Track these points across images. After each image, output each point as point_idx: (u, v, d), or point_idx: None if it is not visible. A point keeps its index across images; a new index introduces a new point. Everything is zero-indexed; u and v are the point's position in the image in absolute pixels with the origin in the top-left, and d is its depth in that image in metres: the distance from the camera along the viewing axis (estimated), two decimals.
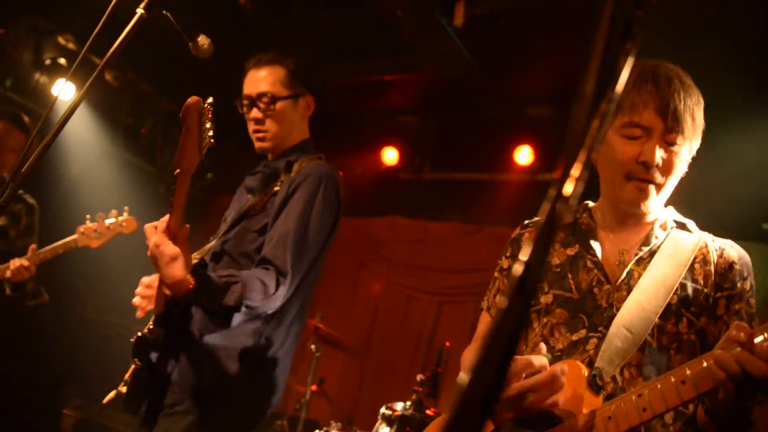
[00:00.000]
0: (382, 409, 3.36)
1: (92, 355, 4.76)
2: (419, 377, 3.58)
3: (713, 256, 1.57)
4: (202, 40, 1.80)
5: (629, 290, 1.54)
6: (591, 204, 1.75)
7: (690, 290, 1.52)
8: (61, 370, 5.20)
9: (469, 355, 1.81)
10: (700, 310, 1.52)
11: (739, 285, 1.54)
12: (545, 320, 1.62)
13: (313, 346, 3.72)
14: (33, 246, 3.11)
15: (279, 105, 2.29)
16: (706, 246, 1.59)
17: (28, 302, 3.38)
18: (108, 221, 3.10)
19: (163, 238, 1.84)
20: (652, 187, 1.52)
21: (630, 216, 1.62)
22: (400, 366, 5.69)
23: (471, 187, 5.87)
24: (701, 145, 1.59)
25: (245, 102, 2.33)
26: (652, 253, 1.58)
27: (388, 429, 3.22)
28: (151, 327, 2.06)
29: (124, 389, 2.18)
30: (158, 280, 2.02)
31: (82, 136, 5.25)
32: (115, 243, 5.45)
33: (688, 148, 1.55)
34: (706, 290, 1.53)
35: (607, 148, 1.55)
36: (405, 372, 5.53)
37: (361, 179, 5.98)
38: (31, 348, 5.16)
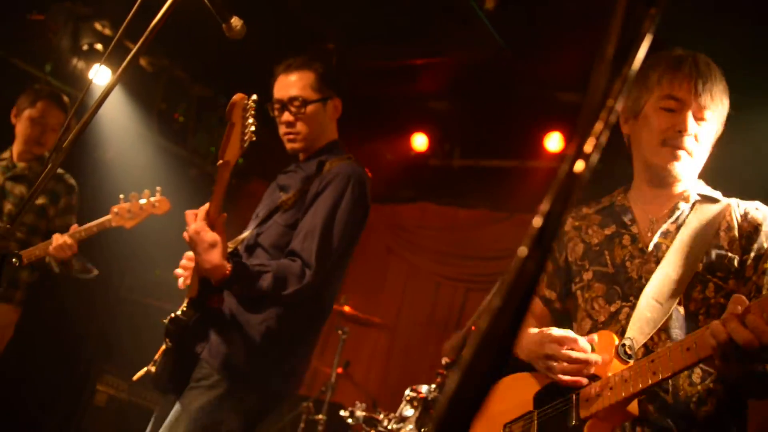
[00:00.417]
0: (407, 391, 3.39)
1: (124, 334, 4.87)
2: (445, 360, 3.59)
3: (736, 221, 1.67)
4: (235, 21, 1.84)
5: (657, 262, 1.67)
6: (625, 190, 1.90)
7: (714, 256, 1.64)
8: (95, 348, 5.35)
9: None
10: (726, 274, 1.63)
11: (766, 245, 1.62)
12: (587, 295, 1.79)
13: (339, 331, 3.76)
14: (74, 225, 3.15)
15: (309, 108, 2.40)
16: (730, 212, 1.69)
17: (78, 276, 3.45)
18: (141, 201, 3.14)
19: (203, 225, 1.97)
20: (683, 153, 1.68)
21: (661, 182, 1.76)
22: (426, 350, 5.72)
23: (500, 174, 5.84)
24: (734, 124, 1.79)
25: (276, 105, 2.43)
26: (678, 227, 1.71)
27: (412, 411, 3.25)
28: (185, 309, 2.14)
29: (153, 368, 2.26)
30: (194, 265, 2.10)
31: (117, 120, 5.34)
32: (147, 226, 5.57)
33: (715, 127, 1.72)
34: (730, 254, 1.64)
35: (643, 120, 1.74)
36: (430, 356, 5.55)
37: (390, 165, 5.99)
38: (69, 325, 5.32)
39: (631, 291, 1.67)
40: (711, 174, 1.82)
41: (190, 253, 2.30)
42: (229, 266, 1.98)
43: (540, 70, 4.91)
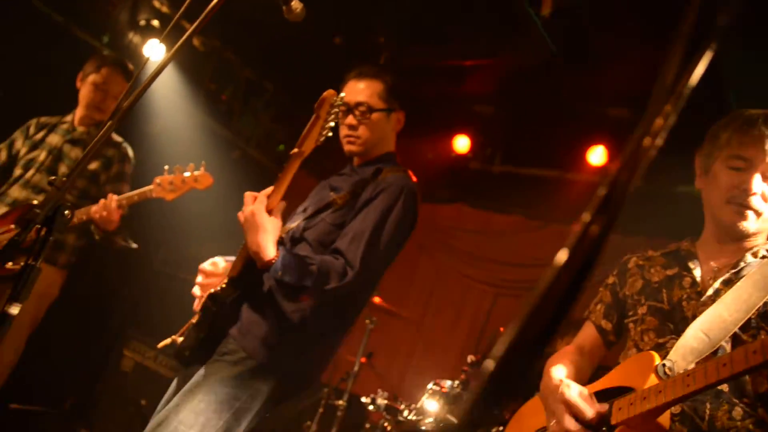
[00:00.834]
0: (430, 385, 3.39)
1: (154, 305, 4.98)
2: (470, 358, 3.59)
3: None
4: (296, 4, 1.87)
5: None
6: (693, 239, 1.94)
7: None
8: (126, 316, 5.48)
9: (558, 361, 1.94)
10: None
11: None
12: (639, 328, 1.83)
13: (367, 320, 3.77)
14: (111, 194, 3.14)
15: (374, 116, 2.43)
16: None
17: (116, 245, 3.48)
18: (185, 174, 3.12)
19: (261, 208, 2.01)
20: (750, 212, 1.71)
21: (728, 239, 1.79)
22: (450, 349, 5.72)
23: (539, 183, 5.79)
24: None
25: (342, 108, 2.45)
26: (739, 277, 1.71)
27: (433, 404, 3.26)
28: (224, 287, 2.17)
29: (179, 339, 2.30)
30: (242, 245, 2.15)
31: (167, 96, 5.45)
32: (185, 202, 5.67)
33: None
34: None
35: (713, 177, 1.79)
36: (454, 355, 5.55)
37: (430, 165, 5.99)
38: (103, 291, 5.46)
39: (684, 328, 1.68)
40: None
41: (206, 266, 2.35)
42: (277, 252, 2.00)
43: (590, 81, 4.85)
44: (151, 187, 3.13)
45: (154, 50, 3.96)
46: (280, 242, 2.10)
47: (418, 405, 3.28)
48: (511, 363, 0.46)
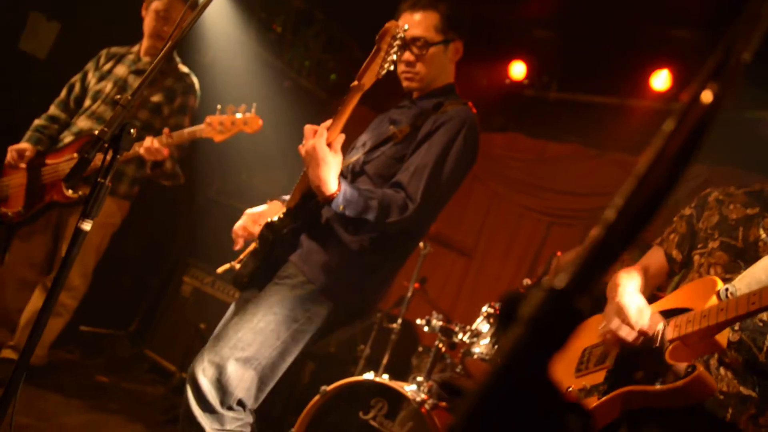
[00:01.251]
0: (485, 308, 3.41)
1: (210, 233, 5.11)
2: (526, 281, 3.58)
3: None
4: None
5: None
6: None
7: None
8: (184, 244, 5.67)
9: (626, 271, 1.95)
10: None
11: None
12: (704, 260, 1.79)
13: (421, 244, 3.77)
14: (167, 129, 3.16)
15: (432, 50, 2.38)
16: None
17: (164, 182, 3.52)
18: (237, 116, 3.10)
19: (321, 142, 1.99)
20: None
21: None
22: (502, 278, 5.73)
23: (597, 110, 5.60)
24: None
25: (397, 42, 2.38)
26: None
27: (487, 326, 3.29)
28: (281, 217, 2.21)
29: (237, 265, 2.36)
30: (301, 176, 2.17)
31: (218, 26, 5.43)
32: (240, 133, 5.71)
33: None
34: None
35: None
36: (505, 284, 5.56)
37: (485, 91, 5.85)
38: (162, 220, 5.64)
39: None
40: None
41: (240, 224, 2.40)
42: (339, 187, 2.00)
43: (653, 1, 4.60)
44: (201, 126, 3.12)
45: None
46: (341, 176, 2.10)
47: (473, 327, 3.31)
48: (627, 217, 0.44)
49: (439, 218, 2.51)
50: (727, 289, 1.54)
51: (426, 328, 3.39)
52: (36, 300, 3.57)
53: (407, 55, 2.40)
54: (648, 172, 0.45)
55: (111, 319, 5.25)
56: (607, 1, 4.82)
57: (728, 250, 1.74)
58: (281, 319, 2.11)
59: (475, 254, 5.93)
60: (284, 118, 5.76)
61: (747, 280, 1.55)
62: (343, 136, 2.05)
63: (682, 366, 1.48)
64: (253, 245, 2.34)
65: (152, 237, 5.58)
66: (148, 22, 3.63)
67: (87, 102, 3.62)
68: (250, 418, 2.13)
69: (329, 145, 2.00)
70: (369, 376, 3.05)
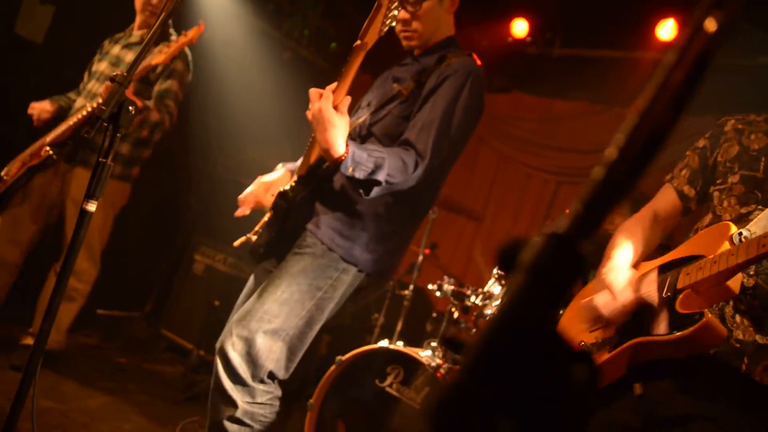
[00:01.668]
0: (496, 269, 3.41)
1: (218, 210, 5.12)
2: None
3: None
4: None
5: None
6: None
7: None
8: (194, 221, 5.68)
9: (627, 233, 1.87)
10: None
11: None
12: (723, 196, 1.68)
13: (430, 210, 3.75)
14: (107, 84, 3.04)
15: (425, 5, 2.34)
16: None
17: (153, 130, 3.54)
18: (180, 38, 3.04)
19: (327, 105, 1.95)
20: None
21: None
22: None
23: (603, 65, 5.48)
24: None
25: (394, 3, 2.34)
26: None
27: (499, 288, 3.29)
28: (293, 185, 2.19)
29: (254, 237, 2.36)
30: (309, 141, 2.15)
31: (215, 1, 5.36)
32: (243, 109, 5.67)
33: None
34: None
35: None
36: None
37: (486, 51, 5.75)
38: (171, 198, 5.65)
39: None
40: None
41: (244, 195, 2.39)
42: (347, 148, 1.97)
43: None
44: (148, 57, 3.06)
45: None
46: (349, 138, 2.07)
47: (485, 289, 3.30)
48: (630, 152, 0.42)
49: (446, 183, 2.48)
50: (741, 233, 1.49)
51: (438, 293, 3.38)
52: (50, 286, 3.60)
53: (402, 14, 2.36)
54: (650, 106, 0.43)
55: (126, 302, 5.29)
56: None
57: (746, 182, 1.64)
58: (305, 288, 2.12)
59: (485, 217, 5.90)
60: (286, 90, 5.71)
61: (763, 223, 1.49)
62: (349, 98, 2.02)
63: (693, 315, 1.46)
64: (267, 215, 2.34)
65: (160, 217, 5.59)
66: None
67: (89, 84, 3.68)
68: (279, 392, 2.16)
69: (335, 107, 1.97)
70: (384, 343, 3.06)
